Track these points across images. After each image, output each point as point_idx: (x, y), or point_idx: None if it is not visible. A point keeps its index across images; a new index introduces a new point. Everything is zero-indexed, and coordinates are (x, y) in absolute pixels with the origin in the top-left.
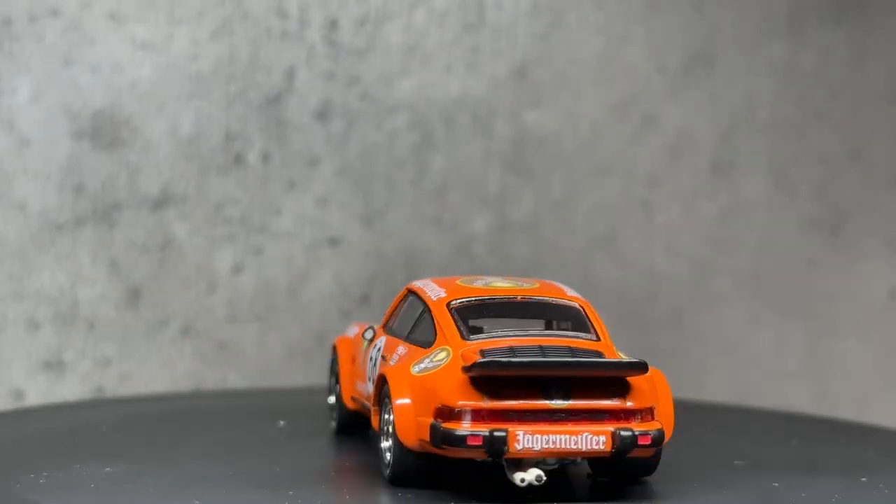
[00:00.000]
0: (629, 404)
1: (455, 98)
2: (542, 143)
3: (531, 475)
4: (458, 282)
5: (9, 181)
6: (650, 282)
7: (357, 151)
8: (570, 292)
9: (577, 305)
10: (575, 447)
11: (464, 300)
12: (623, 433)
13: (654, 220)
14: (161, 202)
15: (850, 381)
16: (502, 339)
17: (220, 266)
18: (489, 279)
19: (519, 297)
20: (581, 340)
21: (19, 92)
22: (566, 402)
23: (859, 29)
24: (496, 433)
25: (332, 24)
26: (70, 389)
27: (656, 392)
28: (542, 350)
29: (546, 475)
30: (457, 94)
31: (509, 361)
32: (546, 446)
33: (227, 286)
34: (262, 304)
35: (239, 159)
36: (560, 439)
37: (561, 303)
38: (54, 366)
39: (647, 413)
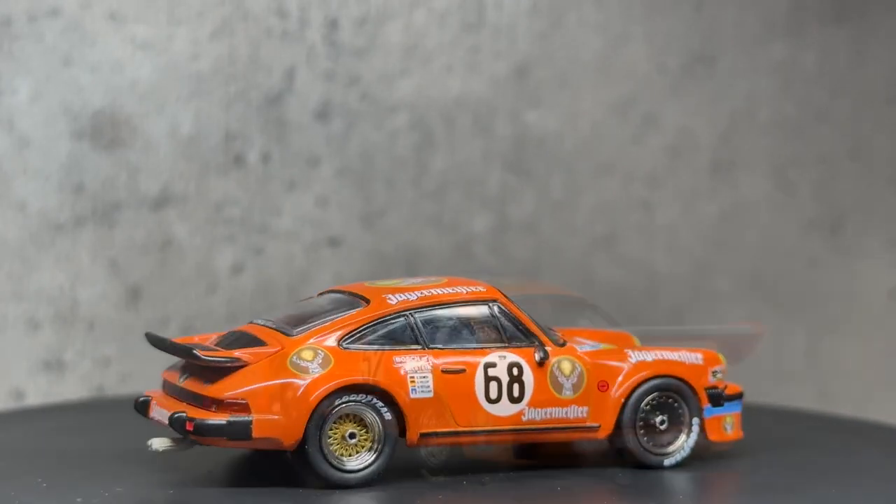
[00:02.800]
0: (204, 393)
1: (455, 98)
2: (542, 143)
3: (154, 442)
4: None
5: (8, 181)
6: (650, 282)
7: (357, 151)
8: (431, 291)
9: (363, 305)
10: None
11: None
12: (175, 415)
13: (654, 220)
14: (161, 202)
15: (850, 381)
16: (244, 326)
17: (220, 266)
18: (396, 280)
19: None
20: (269, 330)
21: (19, 92)
22: (181, 383)
23: (860, 29)
24: (140, 398)
25: (332, 24)
26: (70, 389)
27: (251, 384)
28: (224, 340)
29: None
30: (457, 94)
31: (153, 340)
32: (159, 419)
33: (227, 286)
34: (262, 304)
35: (239, 159)
36: (164, 414)
37: (356, 301)
38: (54, 366)
39: (219, 403)
